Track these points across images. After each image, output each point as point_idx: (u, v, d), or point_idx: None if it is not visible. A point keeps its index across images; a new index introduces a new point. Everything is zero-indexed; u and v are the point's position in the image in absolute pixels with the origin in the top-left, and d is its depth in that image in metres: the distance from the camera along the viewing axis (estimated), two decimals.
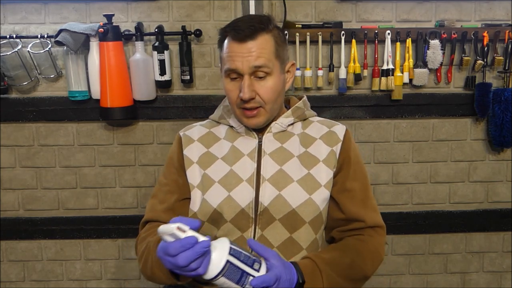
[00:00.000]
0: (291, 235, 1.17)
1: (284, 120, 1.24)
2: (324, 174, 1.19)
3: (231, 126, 1.26)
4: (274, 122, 1.24)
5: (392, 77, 1.79)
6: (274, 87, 1.16)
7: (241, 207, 1.16)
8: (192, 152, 1.24)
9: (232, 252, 0.92)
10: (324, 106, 1.83)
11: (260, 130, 1.24)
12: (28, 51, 1.71)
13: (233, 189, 1.17)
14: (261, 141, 1.22)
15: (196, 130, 1.30)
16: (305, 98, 1.31)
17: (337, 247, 1.17)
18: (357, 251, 1.15)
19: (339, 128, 1.26)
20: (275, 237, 1.16)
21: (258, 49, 1.13)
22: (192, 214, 1.20)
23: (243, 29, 1.13)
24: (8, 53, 1.68)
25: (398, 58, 1.78)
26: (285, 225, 1.16)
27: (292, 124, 1.26)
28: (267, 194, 1.16)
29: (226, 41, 1.17)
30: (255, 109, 1.16)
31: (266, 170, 1.19)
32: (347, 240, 1.19)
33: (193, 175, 1.22)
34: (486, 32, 1.76)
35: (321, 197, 1.18)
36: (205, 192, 1.19)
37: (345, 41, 1.77)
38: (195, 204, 1.20)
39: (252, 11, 1.65)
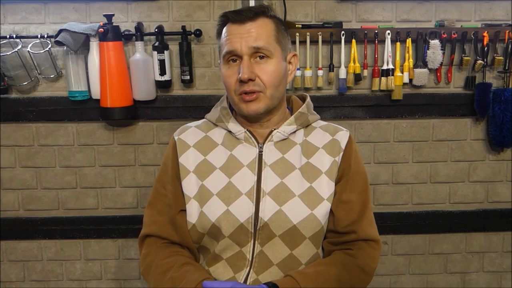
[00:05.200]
0: (291, 252, 1.14)
1: (286, 128, 1.19)
2: (326, 186, 1.16)
3: (229, 131, 1.21)
4: (275, 131, 1.18)
5: (392, 77, 1.79)
6: (275, 71, 1.12)
7: (240, 222, 1.12)
8: (188, 160, 1.19)
9: None
10: (324, 106, 1.83)
11: (260, 138, 1.19)
12: (28, 51, 1.71)
13: (232, 203, 1.13)
14: (262, 151, 1.17)
15: (191, 133, 1.23)
16: (308, 100, 1.25)
17: (323, 262, 1.14)
18: (344, 266, 1.12)
19: (342, 135, 1.21)
20: (275, 254, 1.13)
21: (258, 30, 1.10)
22: (191, 226, 1.16)
23: (243, 11, 1.12)
24: (8, 53, 1.68)
25: (398, 58, 1.78)
26: (285, 241, 1.13)
27: (294, 131, 1.21)
28: (267, 208, 1.12)
29: (225, 27, 1.15)
30: (254, 93, 1.11)
31: (266, 183, 1.14)
32: (335, 254, 1.16)
33: (189, 186, 1.17)
34: (486, 32, 1.76)
35: (323, 211, 1.14)
36: (203, 205, 1.15)
37: (345, 41, 1.77)
38: (192, 216, 1.16)
39: None
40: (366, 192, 1.20)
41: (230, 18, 1.13)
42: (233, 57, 1.12)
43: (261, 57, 1.11)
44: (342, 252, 1.16)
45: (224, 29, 1.15)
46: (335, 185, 1.17)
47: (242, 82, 1.10)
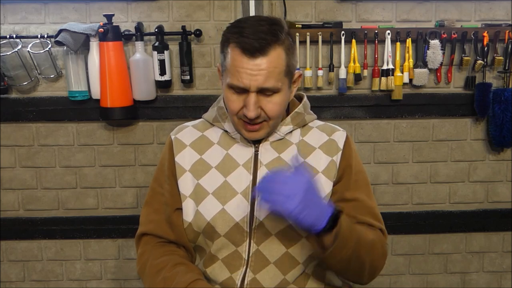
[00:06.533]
0: (287, 250, 1.13)
1: (282, 128, 1.19)
2: (323, 186, 1.15)
3: (226, 131, 1.20)
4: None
5: (392, 77, 1.79)
6: (280, 103, 1.10)
7: (236, 221, 1.12)
8: (184, 159, 1.19)
9: None
10: (324, 106, 1.83)
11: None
12: (28, 51, 1.71)
13: (227, 202, 1.13)
14: (258, 151, 1.17)
15: (188, 133, 1.23)
16: (305, 99, 1.25)
17: (363, 227, 1.12)
18: (378, 238, 1.12)
19: (339, 135, 1.21)
20: (271, 253, 1.13)
21: (269, 68, 1.03)
22: (187, 225, 1.16)
23: (252, 40, 1.02)
24: (8, 53, 1.68)
25: (398, 58, 1.78)
26: (281, 240, 1.13)
27: (290, 131, 1.20)
28: (263, 208, 1.11)
29: (231, 49, 1.06)
30: (258, 123, 1.10)
31: None
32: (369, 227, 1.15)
33: (185, 184, 1.17)
34: (486, 32, 1.76)
35: None
36: (199, 203, 1.15)
37: (345, 41, 1.77)
38: (188, 215, 1.16)
39: (252, 11, 1.65)
40: (369, 190, 1.22)
41: (237, 46, 1.04)
42: (238, 89, 1.08)
43: (268, 94, 1.08)
44: (369, 228, 1.15)
45: (232, 53, 1.06)
46: (335, 184, 1.17)
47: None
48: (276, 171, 1.01)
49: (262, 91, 1.06)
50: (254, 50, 1.02)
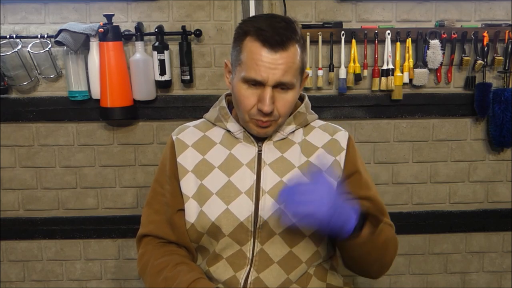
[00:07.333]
0: (291, 250, 1.14)
1: (285, 128, 1.20)
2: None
3: (228, 130, 1.21)
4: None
5: (392, 77, 1.79)
6: (292, 101, 1.11)
7: (240, 220, 1.12)
8: (186, 160, 1.19)
9: None
10: (324, 106, 1.83)
11: (260, 137, 1.19)
12: (28, 51, 1.71)
13: (231, 202, 1.13)
14: (261, 150, 1.18)
15: (190, 133, 1.23)
16: (306, 99, 1.26)
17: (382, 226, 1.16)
18: (393, 236, 1.19)
19: (342, 135, 1.22)
20: (275, 252, 1.14)
21: (287, 63, 1.05)
22: (189, 225, 1.16)
23: (273, 34, 1.03)
24: (8, 53, 1.68)
25: (398, 58, 1.78)
26: (285, 239, 1.14)
27: (293, 131, 1.21)
28: (267, 207, 1.12)
29: (249, 42, 1.06)
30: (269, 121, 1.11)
31: (266, 182, 1.15)
32: (385, 227, 1.18)
33: (188, 185, 1.17)
34: (486, 32, 1.76)
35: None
36: (203, 204, 1.15)
37: (345, 41, 1.77)
38: (190, 216, 1.16)
39: (252, 11, 1.65)
40: (375, 187, 1.25)
41: (258, 39, 1.04)
42: (254, 82, 1.08)
43: (283, 89, 1.09)
44: (388, 226, 1.20)
45: (250, 47, 1.06)
46: (341, 183, 1.18)
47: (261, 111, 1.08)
48: (295, 181, 1.02)
49: (278, 86, 1.07)
50: (275, 44, 1.03)
